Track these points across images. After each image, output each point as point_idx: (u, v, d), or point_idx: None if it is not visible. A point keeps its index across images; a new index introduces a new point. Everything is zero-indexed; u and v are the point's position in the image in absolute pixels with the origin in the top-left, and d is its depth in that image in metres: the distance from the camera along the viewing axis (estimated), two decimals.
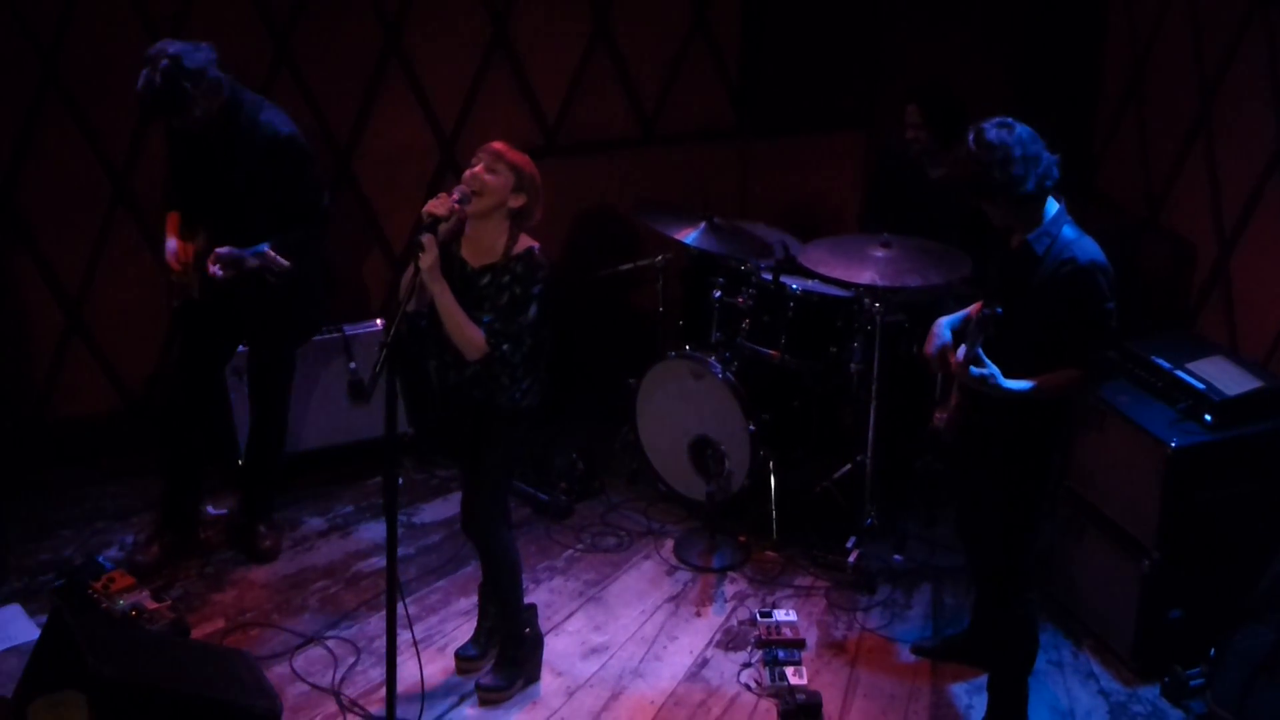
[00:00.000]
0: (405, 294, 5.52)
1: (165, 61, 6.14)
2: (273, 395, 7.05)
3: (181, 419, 6.96)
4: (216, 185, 6.47)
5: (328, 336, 7.68)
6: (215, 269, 6.36)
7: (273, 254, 6.34)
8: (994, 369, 5.25)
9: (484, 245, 5.76)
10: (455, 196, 5.58)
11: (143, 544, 7.05)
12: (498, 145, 5.74)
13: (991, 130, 5.21)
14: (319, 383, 7.73)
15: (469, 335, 5.65)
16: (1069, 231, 5.33)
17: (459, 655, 6.38)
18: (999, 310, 5.13)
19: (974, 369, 5.27)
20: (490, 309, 5.68)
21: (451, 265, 5.74)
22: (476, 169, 5.67)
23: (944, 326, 5.68)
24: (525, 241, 5.77)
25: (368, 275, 8.25)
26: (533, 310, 5.70)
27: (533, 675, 6.32)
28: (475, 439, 5.96)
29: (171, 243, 6.58)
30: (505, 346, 5.70)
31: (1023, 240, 5.38)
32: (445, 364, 5.84)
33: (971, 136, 5.23)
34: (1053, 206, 5.35)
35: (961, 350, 5.33)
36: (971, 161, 5.21)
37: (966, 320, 5.65)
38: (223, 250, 6.35)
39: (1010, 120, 5.26)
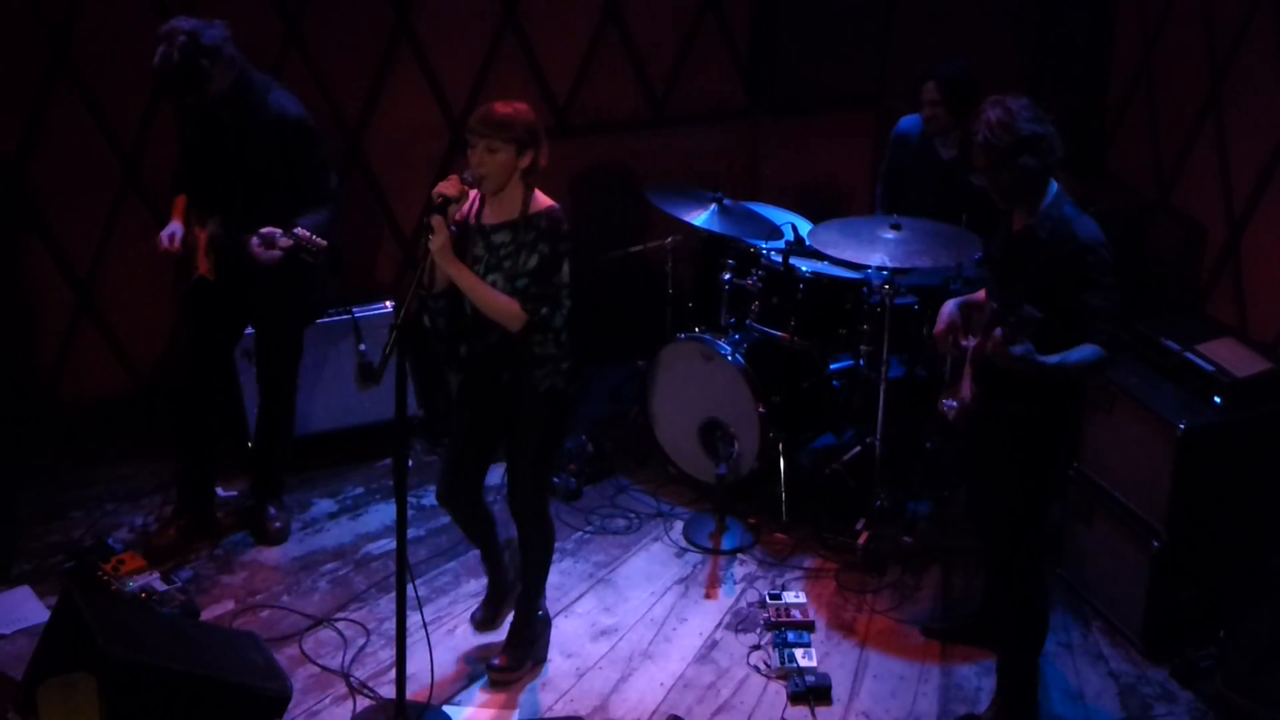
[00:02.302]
0: (424, 273, 5.52)
1: (183, 38, 6.14)
2: (281, 377, 7.05)
3: (193, 401, 6.96)
4: (226, 165, 6.46)
5: (337, 319, 7.68)
6: (260, 250, 6.31)
7: (308, 233, 6.29)
8: (1029, 347, 5.19)
9: (500, 204, 5.71)
10: (466, 176, 5.57)
11: (159, 527, 7.07)
12: (489, 113, 5.61)
13: (1014, 103, 5.22)
14: (328, 365, 7.73)
15: (502, 306, 5.61)
16: (1069, 211, 5.34)
17: (472, 619, 6.51)
18: (1039, 315, 5.06)
19: (1015, 348, 5.19)
20: (514, 270, 5.63)
21: (467, 231, 5.72)
22: (476, 154, 5.58)
23: (953, 307, 5.68)
24: (543, 199, 5.72)
25: (377, 257, 8.25)
26: (566, 269, 5.67)
27: (540, 656, 6.34)
28: (511, 421, 5.91)
29: (172, 225, 6.58)
30: (544, 310, 5.67)
31: (1025, 223, 5.38)
32: (465, 338, 5.79)
33: (996, 109, 5.23)
34: (1053, 187, 5.36)
35: (998, 332, 5.27)
36: (999, 129, 5.20)
37: (970, 304, 5.68)
38: (265, 230, 6.31)
39: (1025, 98, 5.28)
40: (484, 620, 6.49)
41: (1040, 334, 5.13)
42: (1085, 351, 5.29)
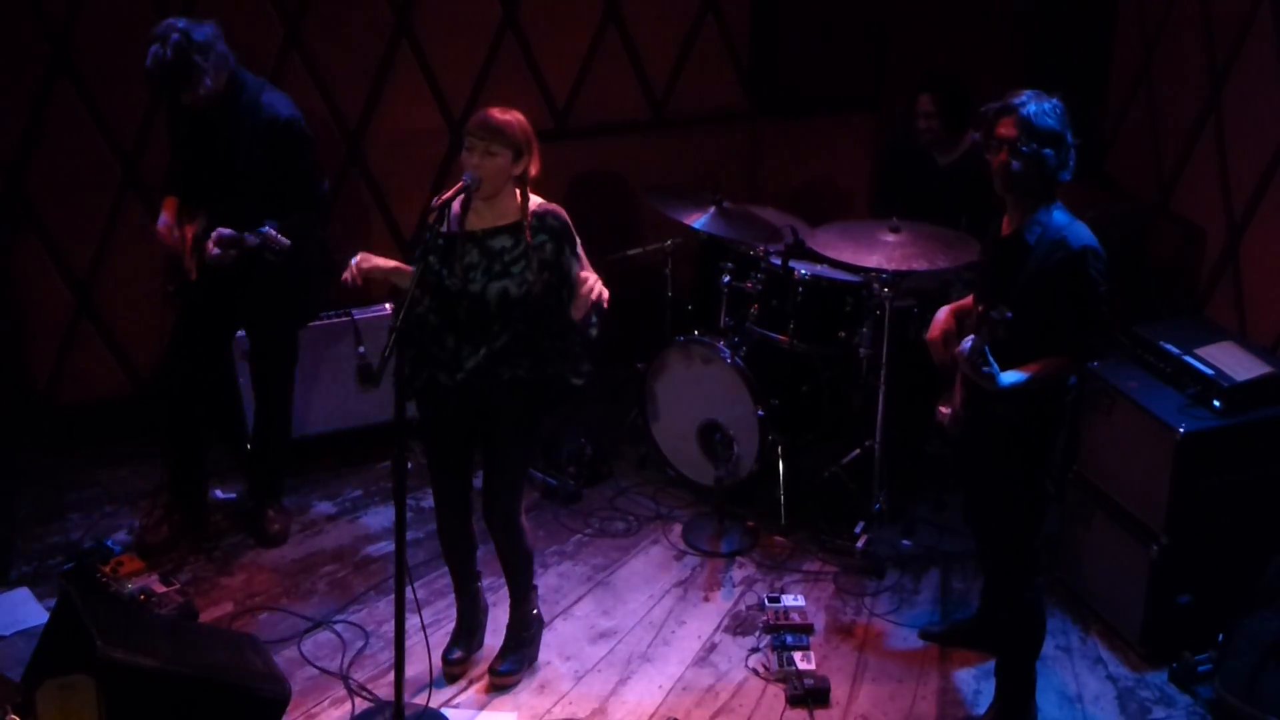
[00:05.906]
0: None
1: (176, 35, 6.16)
2: (275, 379, 7.05)
3: (180, 400, 6.96)
4: (215, 166, 6.46)
5: (336, 320, 7.65)
6: (215, 250, 6.34)
7: (274, 232, 6.30)
8: (995, 369, 5.21)
9: (493, 209, 5.69)
10: (466, 179, 5.56)
11: (152, 524, 7.04)
12: (487, 119, 5.60)
13: (1060, 105, 5.25)
14: (327, 367, 7.71)
15: None
16: (1060, 217, 5.31)
17: (446, 660, 6.28)
18: (1009, 315, 5.07)
19: (983, 368, 5.23)
20: (525, 277, 5.63)
21: (454, 242, 5.70)
22: (474, 156, 5.58)
23: (946, 312, 5.68)
24: (538, 200, 5.73)
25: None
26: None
27: (534, 656, 6.33)
28: (491, 428, 5.90)
29: (163, 217, 6.57)
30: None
31: (1014, 228, 5.37)
32: (462, 345, 5.73)
33: (1044, 100, 5.24)
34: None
35: (967, 343, 5.28)
36: (1043, 116, 5.20)
37: (964, 309, 5.68)
38: (225, 231, 6.33)
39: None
40: (462, 659, 6.27)
41: (1015, 337, 5.12)
42: (1054, 364, 5.30)
